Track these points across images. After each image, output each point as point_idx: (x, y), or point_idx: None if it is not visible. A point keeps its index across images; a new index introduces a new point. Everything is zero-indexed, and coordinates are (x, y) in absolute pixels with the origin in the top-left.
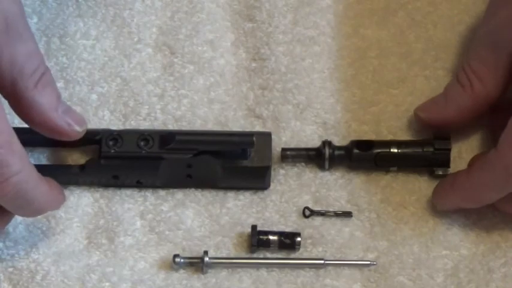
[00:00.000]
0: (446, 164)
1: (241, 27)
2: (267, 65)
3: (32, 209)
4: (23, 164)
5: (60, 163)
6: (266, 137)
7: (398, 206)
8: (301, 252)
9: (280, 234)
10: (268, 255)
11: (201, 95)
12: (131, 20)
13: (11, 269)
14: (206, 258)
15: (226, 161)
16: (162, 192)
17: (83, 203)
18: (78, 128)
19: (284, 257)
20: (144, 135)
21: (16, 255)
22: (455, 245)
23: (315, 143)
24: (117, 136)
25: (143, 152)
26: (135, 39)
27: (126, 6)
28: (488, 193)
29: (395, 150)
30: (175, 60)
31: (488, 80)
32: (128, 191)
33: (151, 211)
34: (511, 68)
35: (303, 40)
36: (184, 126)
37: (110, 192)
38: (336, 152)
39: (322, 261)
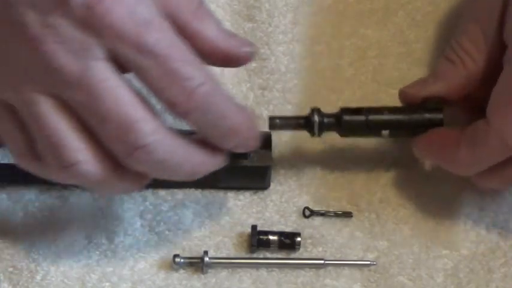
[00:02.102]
0: (439, 124)
1: (241, 27)
2: (267, 65)
3: (226, 126)
4: (206, 75)
5: None
6: (266, 137)
7: (398, 206)
8: (301, 252)
9: (280, 234)
10: (268, 255)
11: None
12: None
13: (11, 269)
14: (206, 258)
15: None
16: (162, 192)
17: (83, 202)
18: (248, 49)
19: (284, 257)
20: None
21: (16, 255)
22: (455, 245)
23: (315, 143)
24: None
25: None
26: None
27: None
28: (477, 167)
29: (387, 116)
30: None
31: (479, 56)
32: None
33: (151, 211)
34: (500, 44)
35: (303, 40)
36: (185, 126)
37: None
38: (326, 119)
39: (322, 261)
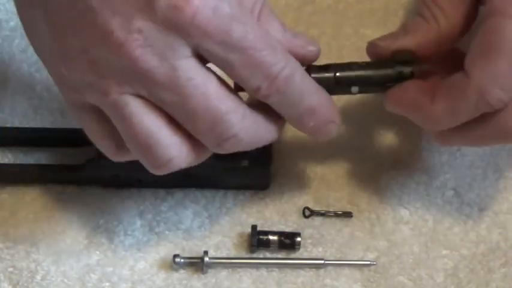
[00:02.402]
0: (410, 78)
1: None
2: None
3: (304, 107)
4: (287, 59)
5: (60, 163)
6: None
7: (398, 206)
8: (301, 252)
9: (280, 234)
10: (268, 255)
11: None
12: None
13: (11, 269)
14: (206, 258)
15: (226, 161)
16: (162, 192)
17: (83, 202)
18: (312, 48)
19: (284, 257)
20: None
21: (16, 255)
22: (455, 245)
23: (315, 142)
24: None
25: None
26: None
27: None
28: (451, 121)
29: (356, 71)
30: None
31: (453, 12)
32: (128, 191)
33: (151, 211)
34: (475, 2)
35: None
36: None
37: (110, 192)
38: None
39: (322, 261)
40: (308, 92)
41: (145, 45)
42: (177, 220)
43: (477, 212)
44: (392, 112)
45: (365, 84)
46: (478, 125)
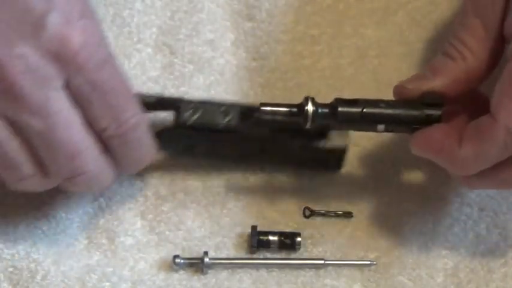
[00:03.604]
0: (438, 121)
1: (241, 26)
2: (267, 64)
3: (138, 156)
4: (139, 110)
5: None
6: None
7: (398, 205)
8: (301, 252)
9: (280, 234)
10: (268, 255)
11: (202, 92)
12: (131, 19)
13: (11, 269)
14: (206, 259)
15: (302, 139)
16: (162, 192)
17: (83, 202)
18: None
19: (284, 257)
20: (223, 108)
21: (16, 255)
22: (455, 245)
23: None
24: (196, 106)
25: (221, 124)
26: (135, 39)
27: (126, 5)
28: (479, 165)
29: (384, 110)
30: (175, 60)
31: (480, 51)
32: (129, 191)
33: (151, 211)
34: (501, 37)
35: (303, 39)
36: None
37: (110, 192)
38: (320, 109)
39: (322, 261)
40: (146, 145)
41: (24, 71)
42: (178, 221)
43: (477, 212)
44: (418, 155)
45: (392, 124)
46: (505, 169)
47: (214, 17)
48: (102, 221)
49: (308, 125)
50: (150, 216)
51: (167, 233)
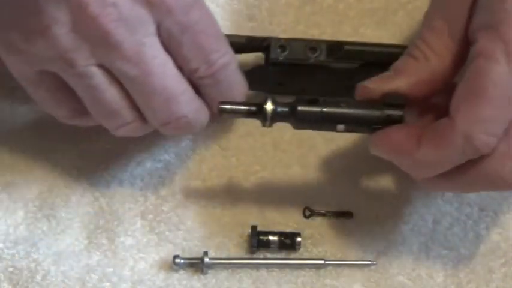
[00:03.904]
0: (399, 121)
1: (241, 26)
2: None
3: (229, 97)
4: (227, 50)
5: None
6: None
7: (398, 205)
8: (301, 252)
9: (280, 234)
10: (268, 255)
11: None
12: None
13: (11, 269)
14: (206, 259)
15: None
16: (162, 193)
17: (83, 202)
18: None
19: (284, 257)
20: (311, 44)
21: (16, 255)
22: (455, 245)
23: (316, 142)
24: (285, 44)
25: (311, 59)
26: None
27: None
28: (436, 168)
29: (345, 109)
30: None
31: (444, 53)
32: (129, 191)
33: (151, 211)
34: (466, 40)
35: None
36: None
37: (110, 192)
38: (279, 109)
39: (322, 261)
40: (237, 84)
41: (118, 19)
42: (178, 221)
43: (477, 212)
44: (377, 155)
45: (352, 123)
46: (465, 172)
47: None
48: (102, 221)
49: (268, 124)
50: (150, 216)
51: (167, 233)
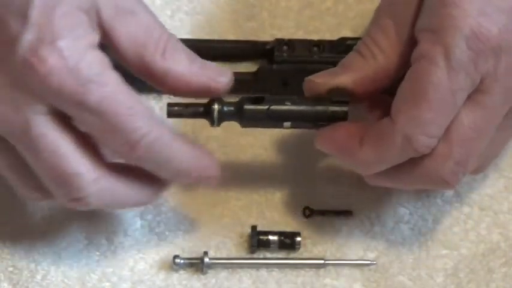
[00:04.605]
0: (344, 118)
1: (241, 27)
2: None
3: (173, 169)
4: (150, 125)
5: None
6: None
7: (398, 205)
8: (301, 252)
9: (280, 234)
10: (268, 255)
11: None
12: None
13: (11, 269)
14: (206, 259)
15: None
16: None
17: None
18: (223, 79)
19: (284, 257)
20: (315, 42)
21: (16, 254)
22: (455, 245)
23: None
24: (289, 43)
25: (315, 56)
26: None
27: None
28: (378, 166)
29: (290, 106)
30: None
31: (390, 51)
32: None
33: (151, 211)
34: (412, 41)
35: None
36: None
37: None
38: (226, 108)
39: (322, 261)
40: (175, 157)
41: (1, 95)
42: (177, 221)
43: (477, 212)
44: (323, 151)
45: (297, 120)
46: (406, 170)
47: (214, 17)
48: (101, 221)
49: (215, 124)
50: (150, 216)
51: (167, 233)
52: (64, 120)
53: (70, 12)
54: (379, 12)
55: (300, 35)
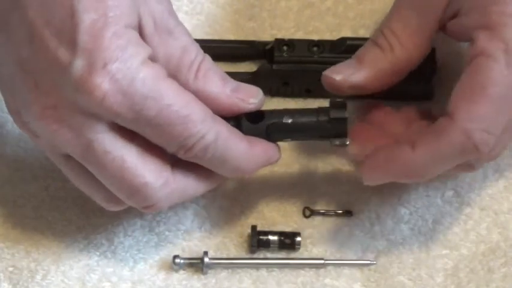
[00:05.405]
0: (343, 134)
1: (241, 27)
2: None
3: (230, 168)
4: (208, 127)
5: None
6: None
7: (398, 205)
8: (301, 252)
9: (280, 234)
10: (268, 255)
11: None
12: None
13: (11, 269)
14: (206, 259)
15: None
16: None
17: (83, 201)
18: (253, 100)
19: (284, 257)
20: (315, 42)
21: (16, 254)
22: (455, 245)
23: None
24: (289, 43)
25: (315, 56)
26: None
27: None
28: (436, 169)
29: (289, 121)
30: None
31: (411, 44)
32: None
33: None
34: (434, 33)
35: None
36: None
37: None
38: None
39: (322, 261)
40: (232, 156)
41: (60, 120)
42: (177, 221)
43: (477, 212)
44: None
45: (297, 137)
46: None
47: (214, 17)
48: (101, 221)
49: None
50: (150, 216)
51: (167, 233)
52: (125, 132)
53: (119, 32)
54: (399, 3)
55: (300, 35)
